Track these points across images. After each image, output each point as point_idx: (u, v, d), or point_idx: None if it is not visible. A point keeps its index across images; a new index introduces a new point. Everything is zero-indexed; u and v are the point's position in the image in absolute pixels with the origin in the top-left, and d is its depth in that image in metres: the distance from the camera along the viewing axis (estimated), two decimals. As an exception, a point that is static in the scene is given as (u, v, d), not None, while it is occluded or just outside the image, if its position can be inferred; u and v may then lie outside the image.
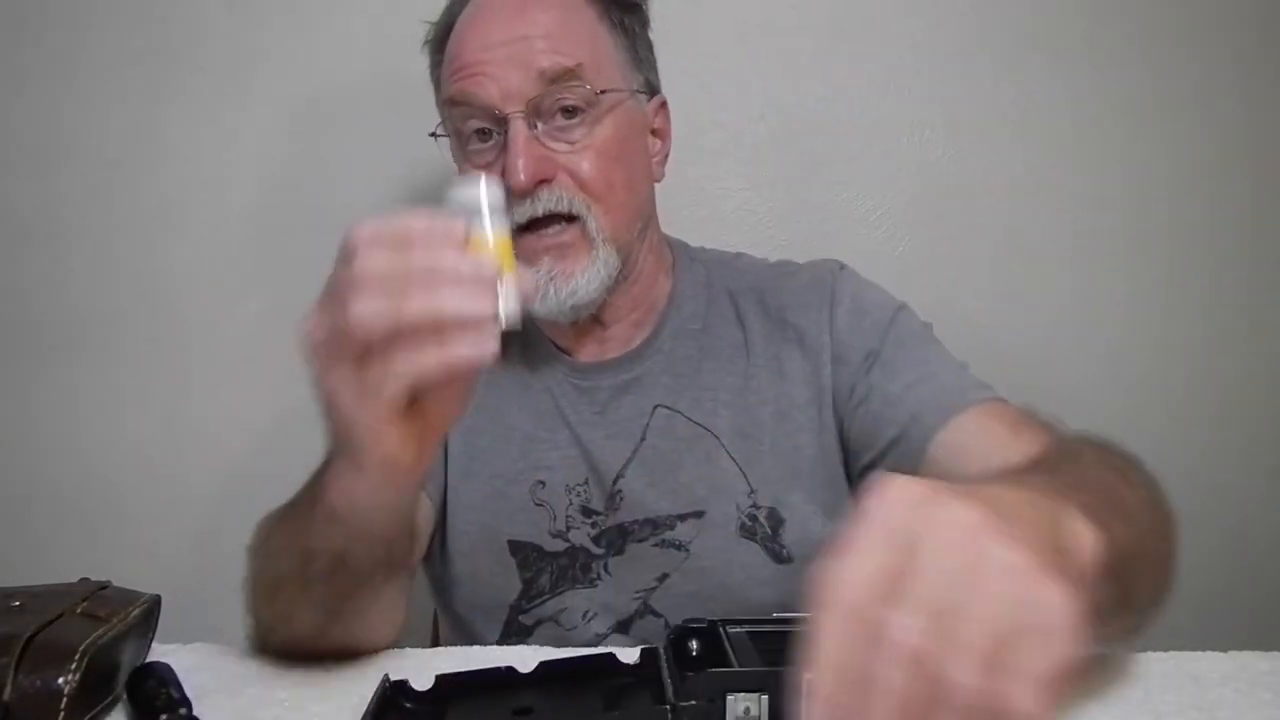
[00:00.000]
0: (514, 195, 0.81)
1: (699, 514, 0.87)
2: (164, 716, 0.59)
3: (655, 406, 0.91)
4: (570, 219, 0.84)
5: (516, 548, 0.89)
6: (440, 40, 0.91)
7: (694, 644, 0.60)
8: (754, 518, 0.87)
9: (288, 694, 0.66)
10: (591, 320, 0.90)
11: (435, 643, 1.09)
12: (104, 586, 0.67)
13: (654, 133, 0.93)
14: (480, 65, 0.83)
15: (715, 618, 0.63)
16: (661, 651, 0.61)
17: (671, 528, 0.88)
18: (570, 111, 0.83)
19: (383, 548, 0.67)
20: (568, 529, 0.89)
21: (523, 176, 0.80)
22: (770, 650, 0.59)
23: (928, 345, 0.90)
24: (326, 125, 1.31)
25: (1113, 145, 1.32)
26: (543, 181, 0.82)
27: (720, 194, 1.32)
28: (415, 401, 0.56)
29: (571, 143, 0.84)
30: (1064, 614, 0.37)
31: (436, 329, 0.52)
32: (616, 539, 0.88)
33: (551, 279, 0.83)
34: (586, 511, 0.89)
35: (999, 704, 0.36)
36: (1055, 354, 1.33)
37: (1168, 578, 0.66)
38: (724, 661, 0.57)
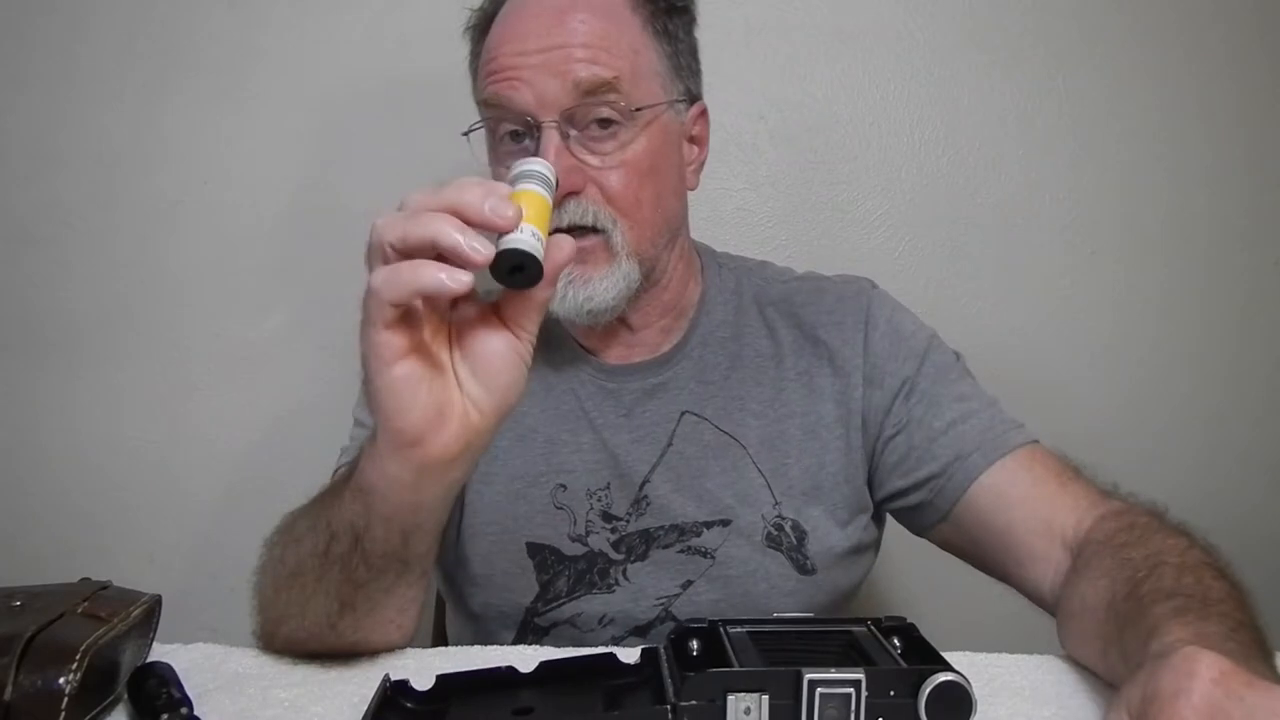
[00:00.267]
0: None
1: (725, 522, 0.87)
2: (164, 716, 0.59)
3: (683, 413, 0.90)
4: (595, 231, 0.83)
5: (534, 550, 0.88)
6: (481, 28, 0.89)
7: (694, 644, 0.60)
8: (779, 528, 0.87)
9: (288, 694, 0.66)
10: (619, 323, 0.90)
11: (436, 643, 1.09)
12: (105, 586, 0.66)
13: (691, 140, 0.92)
14: (517, 70, 0.81)
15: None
16: (661, 651, 0.61)
17: (698, 534, 0.87)
18: (605, 123, 0.82)
19: (399, 536, 0.67)
20: (587, 533, 0.88)
21: None
22: (770, 650, 0.59)
23: (963, 379, 0.90)
24: (326, 126, 1.31)
25: (1111, 145, 1.32)
26: (571, 193, 0.81)
27: (720, 194, 1.32)
28: (423, 353, 0.58)
29: (603, 155, 0.83)
30: None
31: (435, 256, 0.54)
32: (639, 544, 0.87)
33: (570, 282, 0.83)
34: (606, 516, 0.88)
35: None
36: (1055, 354, 1.34)
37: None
38: (724, 661, 0.57)
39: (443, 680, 0.62)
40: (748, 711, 0.54)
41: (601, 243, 0.83)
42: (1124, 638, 0.62)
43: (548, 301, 0.60)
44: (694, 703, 0.54)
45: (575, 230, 0.82)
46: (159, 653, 0.68)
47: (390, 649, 0.74)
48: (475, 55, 0.90)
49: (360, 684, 0.67)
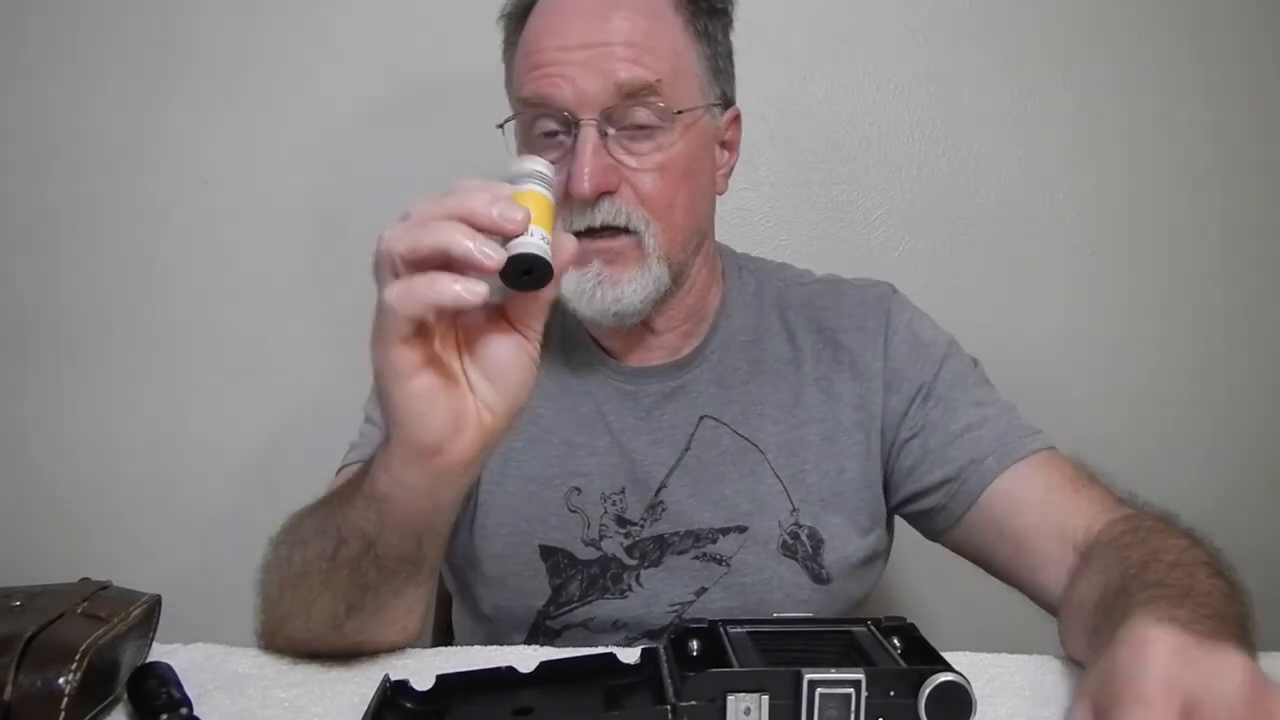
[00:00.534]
0: (575, 203, 0.80)
1: (741, 529, 0.87)
2: (164, 716, 0.59)
3: (702, 417, 0.90)
4: (627, 231, 0.82)
5: (547, 553, 0.88)
6: (517, 18, 0.88)
7: (694, 644, 0.60)
8: (795, 536, 0.87)
9: (288, 694, 0.66)
10: (640, 325, 0.89)
11: (437, 642, 1.09)
12: (104, 586, 0.66)
13: (723, 144, 0.91)
14: (557, 67, 0.81)
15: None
16: (661, 651, 0.61)
17: (713, 541, 0.87)
18: (642, 124, 0.82)
19: (414, 541, 0.67)
20: (600, 537, 0.88)
21: (587, 185, 0.79)
22: (770, 650, 0.59)
23: (981, 385, 0.90)
24: (326, 126, 1.31)
25: (1112, 145, 1.32)
26: (606, 193, 0.81)
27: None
28: (436, 363, 0.58)
29: (639, 156, 0.82)
30: None
31: (445, 264, 0.54)
32: (653, 550, 0.87)
33: (599, 282, 0.82)
34: (621, 521, 0.88)
35: None
36: (1055, 354, 1.34)
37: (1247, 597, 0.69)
38: (724, 661, 0.57)
39: (443, 680, 0.62)
40: (748, 711, 0.54)
41: (633, 244, 0.83)
42: (1102, 630, 0.62)
43: (553, 299, 0.60)
44: (694, 703, 0.54)
45: (607, 230, 0.82)
46: (159, 653, 0.68)
47: (394, 649, 0.74)
48: (510, 45, 0.89)
49: (360, 684, 0.67)
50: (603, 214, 0.81)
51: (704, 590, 0.87)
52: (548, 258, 0.55)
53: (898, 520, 0.94)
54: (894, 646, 0.58)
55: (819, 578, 0.86)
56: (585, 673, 0.63)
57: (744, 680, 0.54)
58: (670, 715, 0.54)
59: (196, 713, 0.60)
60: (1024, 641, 0.71)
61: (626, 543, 0.87)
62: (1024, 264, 1.33)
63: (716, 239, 1.03)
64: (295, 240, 1.32)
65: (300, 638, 0.72)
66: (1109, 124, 1.31)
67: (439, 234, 0.54)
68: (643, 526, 0.87)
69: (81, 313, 1.33)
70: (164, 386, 1.34)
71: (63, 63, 1.30)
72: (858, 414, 0.89)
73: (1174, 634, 0.51)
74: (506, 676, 0.62)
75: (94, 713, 0.61)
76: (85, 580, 0.67)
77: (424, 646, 0.76)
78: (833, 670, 0.54)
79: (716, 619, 0.63)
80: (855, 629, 0.61)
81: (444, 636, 1.08)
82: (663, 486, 0.88)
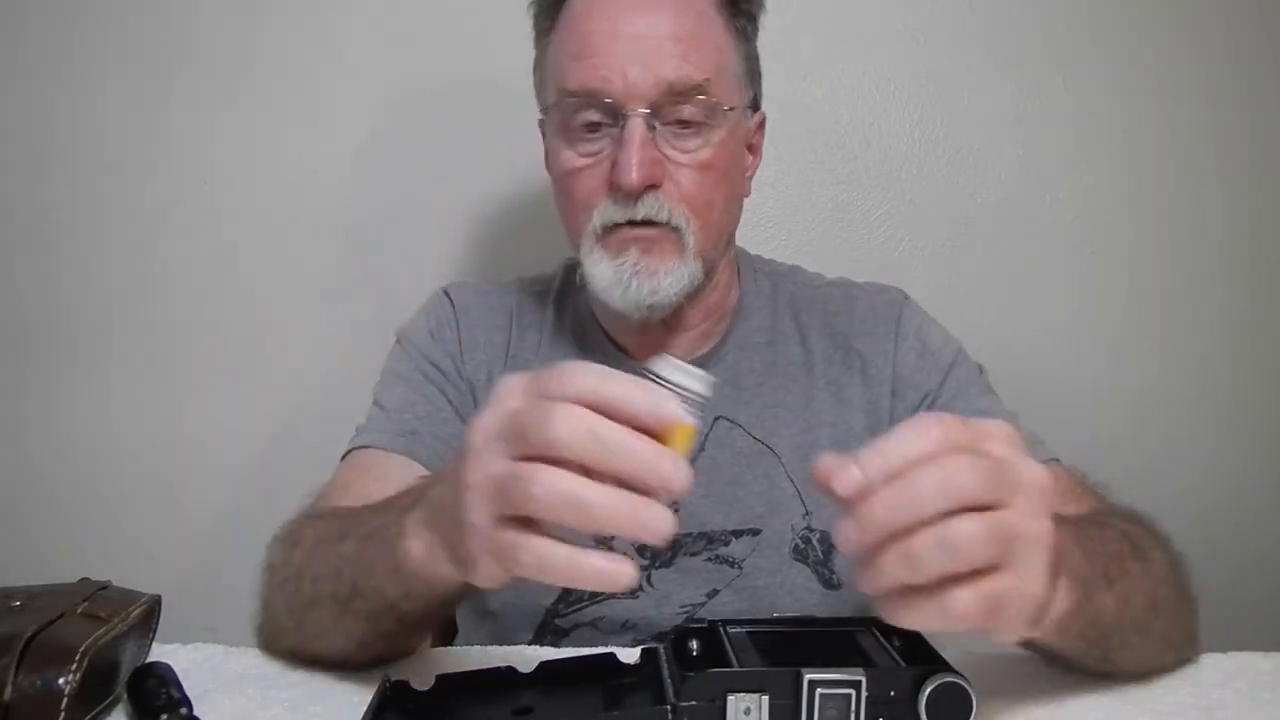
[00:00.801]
0: (619, 193, 0.80)
1: (755, 531, 0.87)
2: (164, 716, 0.59)
3: (717, 418, 0.90)
4: (667, 227, 0.82)
5: None
6: (552, 2, 0.87)
7: (694, 644, 0.60)
8: (807, 540, 0.87)
9: (288, 694, 0.66)
10: (659, 323, 0.89)
11: (439, 641, 1.08)
12: (104, 586, 0.66)
13: (749, 147, 0.92)
14: (607, 57, 0.80)
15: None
16: (661, 651, 0.61)
17: (726, 543, 0.87)
18: (685, 121, 0.82)
19: (439, 607, 0.67)
20: (611, 537, 0.87)
21: (635, 177, 0.79)
22: (770, 650, 0.59)
23: (984, 394, 0.90)
24: (325, 126, 1.31)
25: (1113, 145, 1.32)
26: (650, 186, 0.81)
27: (720, 194, 1.32)
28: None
29: (684, 152, 0.82)
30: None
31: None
32: (665, 550, 0.86)
33: (636, 273, 0.82)
34: None
35: None
36: (1056, 354, 1.33)
37: (1168, 651, 0.69)
38: (724, 661, 0.57)
39: (443, 680, 0.62)
40: (747, 712, 0.54)
41: (673, 236, 0.83)
42: None
43: None
44: (694, 703, 0.54)
45: (648, 223, 0.82)
46: (159, 653, 0.68)
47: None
48: (543, 33, 0.88)
49: (360, 684, 0.67)
50: (645, 208, 0.81)
51: (715, 592, 0.87)
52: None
53: None
54: (894, 646, 0.58)
55: (829, 583, 0.86)
56: (585, 673, 0.63)
57: (744, 680, 0.54)
58: (670, 715, 0.54)
59: (196, 713, 0.60)
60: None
61: (637, 543, 0.87)
62: (1024, 264, 1.33)
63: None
64: (295, 240, 1.32)
65: (303, 653, 0.71)
66: (1109, 124, 1.31)
67: (628, 464, 0.48)
68: None
69: (81, 313, 1.33)
70: (164, 386, 1.34)
71: (63, 63, 1.30)
72: (868, 419, 0.89)
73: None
74: (506, 676, 0.62)
75: (94, 713, 0.61)
76: (85, 580, 0.67)
77: (424, 646, 0.76)
78: (833, 670, 0.54)
79: (716, 619, 0.63)
80: (855, 629, 0.61)
81: (445, 636, 1.08)
82: None
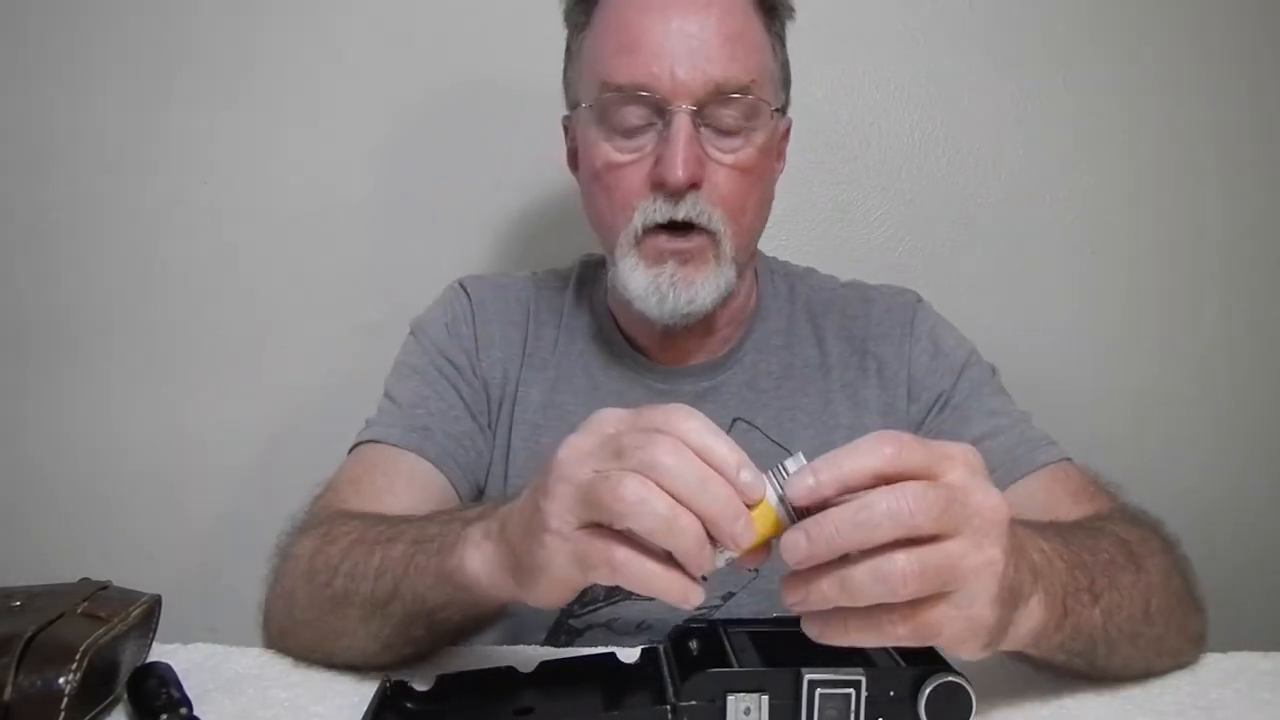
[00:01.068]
0: (662, 190, 0.80)
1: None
2: (164, 716, 0.59)
3: (735, 419, 0.90)
4: (704, 231, 0.82)
5: None
6: None
7: (694, 644, 0.60)
8: None
9: (288, 694, 0.66)
10: (684, 329, 0.88)
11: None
12: (104, 586, 0.66)
13: (776, 154, 0.92)
14: (656, 53, 0.79)
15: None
16: (661, 651, 0.61)
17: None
18: (729, 123, 0.81)
19: (477, 621, 0.67)
20: None
21: (681, 174, 0.78)
22: (770, 650, 0.59)
23: (996, 394, 0.90)
24: (325, 126, 1.31)
25: (1113, 145, 1.32)
26: (694, 185, 0.80)
27: (720, 194, 1.31)
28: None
29: (725, 153, 0.82)
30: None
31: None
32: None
33: (674, 284, 0.82)
34: None
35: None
36: (1057, 354, 1.33)
37: (1163, 657, 0.69)
38: (724, 661, 0.57)
39: (443, 680, 0.62)
40: (747, 712, 0.54)
41: (709, 244, 0.82)
42: None
43: None
44: (694, 703, 0.54)
45: (685, 226, 0.81)
46: (159, 653, 0.68)
47: None
48: (579, 26, 0.87)
49: (360, 684, 0.67)
50: (687, 208, 0.80)
51: (731, 595, 0.86)
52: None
53: None
54: (894, 647, 0.58)
55: None
56: (585, 673, 0.63)
57: (744, 680, 0.54)
58: (670, 715, 0.54)
59: (196, 713, 0.60)
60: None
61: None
62: (1024, 264, 1.33)
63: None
64: (295, 240, 1.32)
65: (317, 649, 0.71)
66: (1109, 124, 1.31)
67: (712, 507, 0.49)
68: None
69: (81, 313, 1.33)
70: (164, 386, 1.34)
71: (63, 63, 1.30)
72: (884, 421, 0.89)
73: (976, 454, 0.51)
74: (507, 676, 0.62)
75: (94, 713, 0.61)
76: (85, 580, 0.67)
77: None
78: (833, 670, 0.54)
79: (717, 619, 0.63)
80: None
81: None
82: None
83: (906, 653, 0.57)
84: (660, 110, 0.80)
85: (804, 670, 0.54)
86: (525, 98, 1.29)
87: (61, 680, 0.57)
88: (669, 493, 0.49)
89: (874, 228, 1.33)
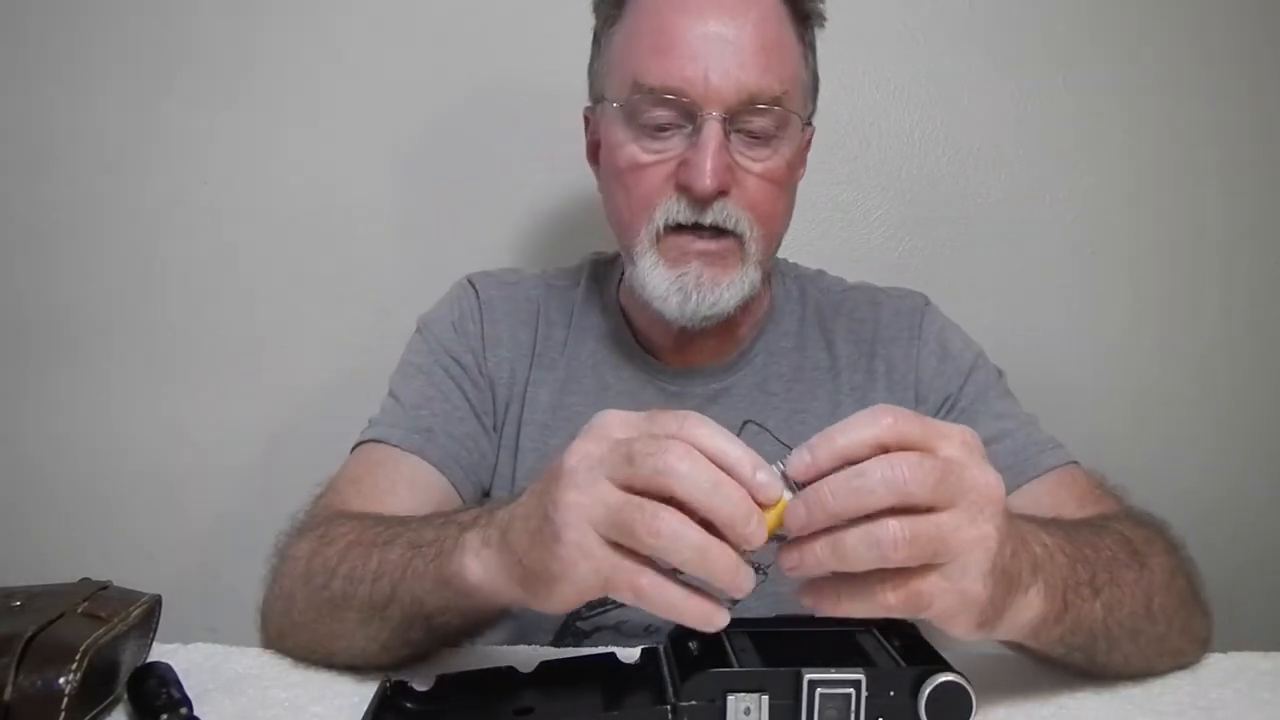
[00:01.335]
0: (689, 195, 0.80)
1: (780, 538, 0.86)
2: (164, 716, 0.59)
3: (745, 422, 0.90)
4: (731, 235, 0.82)
5: None
6: None
7: (694, 644, 0.60)
8: None
9: (287, 694, 0.66)
10: (701, 332, 0.88)
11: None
12: (104, 586, 0.66)
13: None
14: (692, 56, 0.78)
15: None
16: (661, 651, 0.61)
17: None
18: (759, 130, 0.81)
19: (477, 624, 0.67)
20: None
21: (709, 183, 0.78)
22: (770, 650, 0.59)
23: (1003, 397, 0.90)
24: (325, 126, 1.31)
25: (1113, 145, 1.32)
26: (722, 192, 0.80)
27: (720, 194, 1.31)
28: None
29: (754, 160, 0.82)
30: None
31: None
32: None
33: (698, 285, 0.82)
34: None
35: None
36: (1056, 355, 1.33)
37: (1163, 656, 0.69)
38: (724, 661, 0.57)
39: (443, 680, 0.62)
40: (747, 712, 0.54)
41: (736, 246, 0.82)
42: None
43: None
44: (694, 703, 0.54)
45: (714, 232, 0.81)
46: (159, 653, 0.68)
47: None
48: (610, 18, 0.86)
49: (360, 684, 0.67)
50: (714, 214, 0.80)
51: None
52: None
53: None
54: (894, 646, 0.58)
55: None
56: (585, 673, 0.63)
57: (744, 680, 0.54)
58: (670, 715, 0.54)
59: (196, 713, 0.60)
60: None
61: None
62: (1024, 264, 1.33)
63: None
64: (295, 240, 1.32)
65: (315, 650, 0.71)
66: (1109, 124, 1.31)
67: (724, 511, 0.50)
68: None
69: (81, 313, 1.33)
70: (164, 386, 1.34)
71: (63, 63, 1.30)
72: None
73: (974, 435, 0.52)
74: (507, 676, 0.62)
75: (94, 713, 0.61)
76: (85, 580, 0.67)
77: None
78: (833, 670, 0.54)
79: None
80: (855, 629, 0.61)
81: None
82: None
83: (906, 653, 0.57)
84: (690, 114, 0.79)
85: (804, 670, 0.54)
86: (525, 97, 1.29)
87: (61, 680, 0.57)
88: (682, 499, 0.49)
89: (874, 228, 1.33)
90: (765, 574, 0.85)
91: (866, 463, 0.49)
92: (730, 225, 0.81)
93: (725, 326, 0.89)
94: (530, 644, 0.79)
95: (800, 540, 0.50)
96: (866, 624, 0.62)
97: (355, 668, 0.70)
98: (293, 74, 1.30)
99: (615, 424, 0.53)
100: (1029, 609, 0.56)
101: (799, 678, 0.54)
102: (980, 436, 0.83)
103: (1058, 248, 1.33)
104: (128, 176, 1.31)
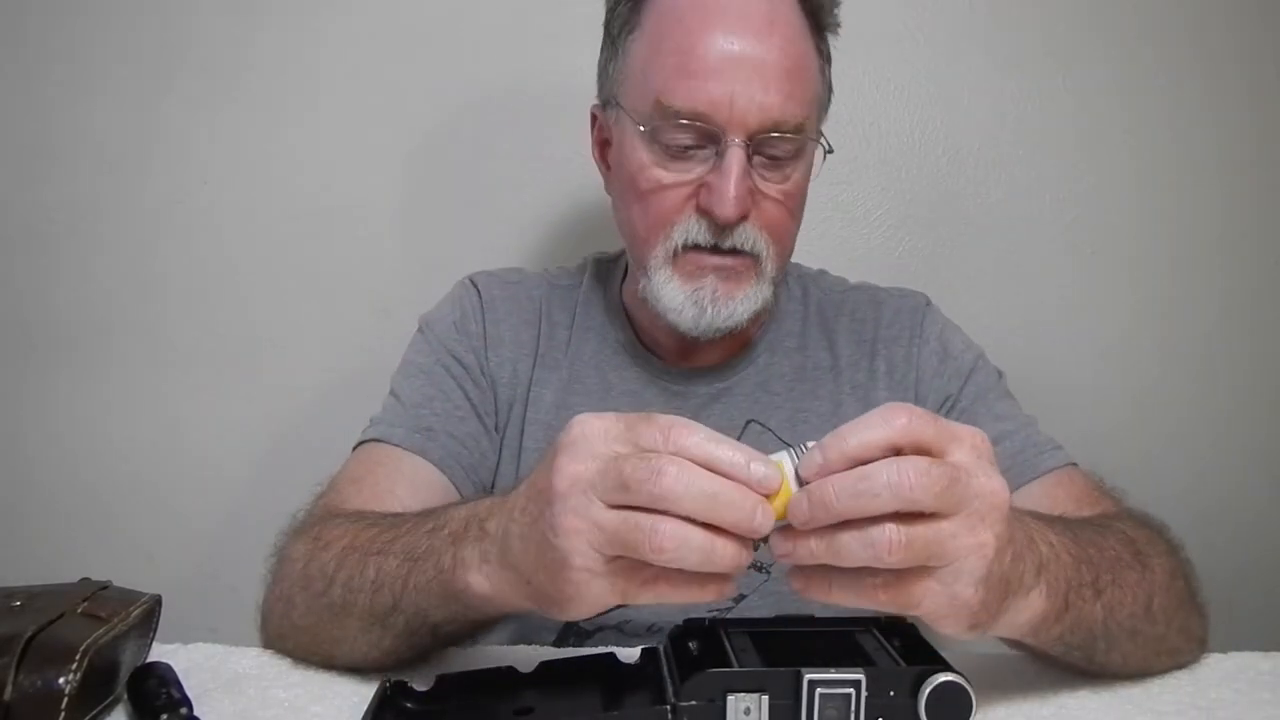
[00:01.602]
0: (710, 219, 0.80)
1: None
2: (164, 716, 0.59)
3: (748, 421, 0.90)
4: (749, 254, 0.82)
5: None
6: None
7: (694, 644, 0.60)
8: None
9: (288, 694, 0.66)
10: (709, 339, 0.87)
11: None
12: (104, 586, 0.66)
13: None
14: (718, 80, 0.77)
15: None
16: (661, 651, 0.61)
17: (755, 547, 0.86)
18: (779, 155, 0.81)
19: (483, 628, 0.67)
20: None
21: (732, 210, 0.78)
22: (770, 650, 0.59)
23: (1003, 399, 0.90)
24: (325, 126, 1.31)
25: (1113, 145, 1.32)
26: (743, 217, 0.80)
27: (720, 194, 1.31)
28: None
29: (772, 183, 0.82)
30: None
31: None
32: None
33: (714, 300, 0.82)
34: None
35: None
36: (1056, 355, 1.33)
37: (1161, 656, 0.69)
38: (724, 661, 0.57)
39: (443, 680, 0.62)
40: (747, 712, 0.54)
41: (752, 264, 0.83)
42: None
43: None
44: (694, 703, 0.54)
45: (732, 252, 0.82)
46: (159, 653, 0.68)
47: None
48: (629, 25, 0.84)
49: (360, 684, 0.67)
50: (736, 238, 0.81)
51: (743, 597, 0.86)
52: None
53: None
54: (894, 646, 0.58)
55: None
56: (585, 672, 0.63)
57: (744, 680, 0.54)
58: (670, 715, 0.54)
59: (196, 713, 0.60)
60: (1024, 641, 0.71)
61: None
62: (1023, 264, 1.33)
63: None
64: (295, 240, 1.32)
65: (315, 654, 0.71)
66: (1109, 124, 1.31)
67: (726, 514, 0.50)
68: None
69: (81, 313, 1.33)
70: (163, 387, 1.34)
71: (62, 63, 1.30)
72: None
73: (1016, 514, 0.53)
74: (507, 676, 0.62)
75: (94, 713, 0.61)
76: (85, 580, 0.67)
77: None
78: (833, 670, 0.54)
79: (717, 619, 0.63)
80: (855, 629, 0.61)
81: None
82: None
83: (906, 652, 0.57)
84: (713, 138, 0.79)
85: (804, 670, 0.54)
86: (525, 97, 1.29)
87: (61, 680, 0.56)
88: (685, 516, 0.49)
89: (874, 228, 1.33)
90: (767, 573, 0.85)
91: (873, 465, 0.49)
92: (748, 247, 0.82)
93: (735, 334, 0.89)
94: (533, 644, 0.79)
95: (797, 531, 0.51)
96: (866, 624, 0.62)
97: (363, 671, 0.69)
98: (293, 74, 1.30)
99: (597, 437, 0.52)
100: (1029, 609, 0.56)
101: (799, 678, 0.54)
102: None
103: (1057, 248, 1.33)
104: (128, 176, 1.31)
